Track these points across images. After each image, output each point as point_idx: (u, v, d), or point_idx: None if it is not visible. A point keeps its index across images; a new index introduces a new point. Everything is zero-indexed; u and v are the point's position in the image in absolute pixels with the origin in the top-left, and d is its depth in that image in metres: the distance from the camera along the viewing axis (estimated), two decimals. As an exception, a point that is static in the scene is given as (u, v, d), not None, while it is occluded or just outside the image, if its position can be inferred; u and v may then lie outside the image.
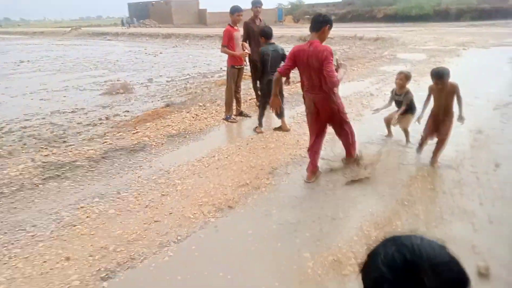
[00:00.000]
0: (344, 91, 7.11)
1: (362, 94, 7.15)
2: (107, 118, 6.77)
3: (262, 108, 5.44)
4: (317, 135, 3.78)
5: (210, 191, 3.65)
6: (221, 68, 13.45)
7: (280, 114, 5.38)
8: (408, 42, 16.70)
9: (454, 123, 3.90)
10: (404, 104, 4.42)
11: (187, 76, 12.13)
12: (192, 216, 3.21)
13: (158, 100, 8.52)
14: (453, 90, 3.76)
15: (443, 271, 0.66)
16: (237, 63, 5.89)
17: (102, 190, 3.75)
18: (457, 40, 16.27)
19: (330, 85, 3.40)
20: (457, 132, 4.21)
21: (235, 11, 5.72)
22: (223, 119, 6.07)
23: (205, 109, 6.85)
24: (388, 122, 4.74)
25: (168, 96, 8.82)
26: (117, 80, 10.83)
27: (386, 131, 4.88)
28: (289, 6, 51.44)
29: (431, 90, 3.95)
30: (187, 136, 5.34)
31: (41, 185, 3.82)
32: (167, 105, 7.59)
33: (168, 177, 4.02)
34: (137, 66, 14.85)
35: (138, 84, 10.61)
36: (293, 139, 5.00)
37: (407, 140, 4.64)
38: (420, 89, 6.73)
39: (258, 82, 5.95)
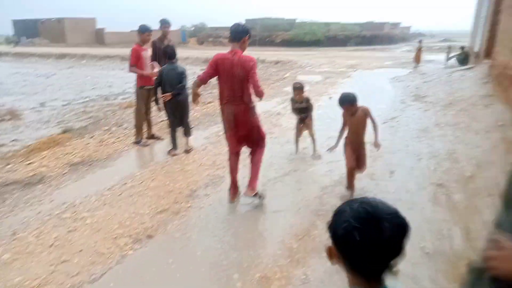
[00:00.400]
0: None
1: (270, 113, 7.48)
2: (-11, 150, 5.91)
3: (172, 129, 5.33)
4: (236, 152, 3.77)
5: (125, 222, 3.40)
6: (124, 90, 12.85)
7: (186, 133, 5.33)
8: (305, 65, 18.13)
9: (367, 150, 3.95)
10: (311, 110, 4.94)
11: (86, 99, 11.32)
12: (106, 251, 2.94)
13: (54, 126, 7.76)
14: (364, 114, 3.67)
15: (394, 218, 0.91)
16: (147, 84, 5.68)
17: (-6, 232, 3.22)
18: (347, 62, 18.21)
19: (258, 95, 3.43)
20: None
21: (146, 30, 5.56)
22: (133, 143, 5.76)
23: (111, 133, 6.42)
24: (298, 136, 5.08)
25: (65, 121, 8.09)
26: (1, 106, 9.57)
27: (293, 148, 5.18)
28: (193, 29, 51.93)
29: (344, 117, 3.84)
30: (93, 164, 4.92)
31: None
32: (65, 131, 6.93)
33: (74, 211, 3.63)
34: (26, 89, 13.35)
35: (28, 109, 9.55)
36: (210, 160, 4.97)
37: (314, 150, 4.99)
38: (318, 108, 7.37)
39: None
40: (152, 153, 5.49)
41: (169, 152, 5.24)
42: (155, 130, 6.23)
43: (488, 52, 11.92)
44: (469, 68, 11.65)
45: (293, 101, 5.00)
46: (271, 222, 3.41)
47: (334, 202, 3.71)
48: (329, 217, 0.98)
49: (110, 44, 42.02)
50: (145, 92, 5.71)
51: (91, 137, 6.24)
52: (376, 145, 3.74)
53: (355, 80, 12.27)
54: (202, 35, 48.89)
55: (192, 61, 21.42)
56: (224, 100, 3.56)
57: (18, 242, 3.06)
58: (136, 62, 5.50)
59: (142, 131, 5.80)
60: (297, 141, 5.14)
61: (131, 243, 3.06)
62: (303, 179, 4.32)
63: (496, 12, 11.90)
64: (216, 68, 3.44)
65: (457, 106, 7.23)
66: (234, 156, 3.78)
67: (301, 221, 3.37)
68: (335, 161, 4.52)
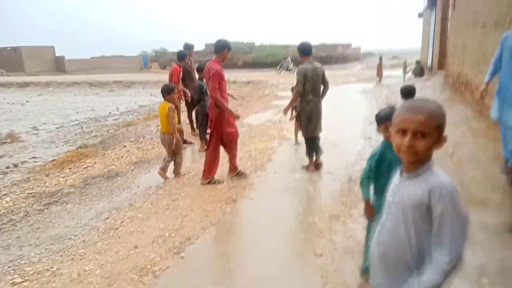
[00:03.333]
0: (258, 120, 8.54)
1: (272, 121, 8.50)
2: (15, 166, 6.43)
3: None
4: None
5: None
6: (110, 113, 13.36)
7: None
8: (277, 83, 19.53)
9: None
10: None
11: (76, 122, 11.85)
12: (211, 209, 3.79)
13: (63, 145, 8.30)
14: None
15: None
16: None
17: (114, 205, 4.03)
18: (315, 80, 19.84)
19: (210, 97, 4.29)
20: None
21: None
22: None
23: (141, 142, 7.10)
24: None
25: (72, 140, 8.63)
26: (-3, 131, 9.85)
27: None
28: (153, 54, 52.38)
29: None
30: (151, 162, 5.67)
31: (46, 210, 3.85)
32: (80, 147, 7.46)
33: (164, 189, 4.39)
34: (9, 116, 13.52)
35: (23, 133, 9.96)
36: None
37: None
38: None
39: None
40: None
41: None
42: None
43: (441, 64, 14.02)
44: (427, 79, 13.59)
45: None
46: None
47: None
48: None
49: (71, 71, 41.57)
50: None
51: (124, 146, 6.87)
52: None
53: (330, 94, 13.74)
54: (164, 59, 49.51)
55: (152, 85, 22.27)
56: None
57: (142, 208, 3.89)
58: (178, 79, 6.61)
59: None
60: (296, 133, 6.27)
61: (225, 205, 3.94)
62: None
63: (443, 31, 14.12)
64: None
65: (425, 108, 8.80)
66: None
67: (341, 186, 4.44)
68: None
